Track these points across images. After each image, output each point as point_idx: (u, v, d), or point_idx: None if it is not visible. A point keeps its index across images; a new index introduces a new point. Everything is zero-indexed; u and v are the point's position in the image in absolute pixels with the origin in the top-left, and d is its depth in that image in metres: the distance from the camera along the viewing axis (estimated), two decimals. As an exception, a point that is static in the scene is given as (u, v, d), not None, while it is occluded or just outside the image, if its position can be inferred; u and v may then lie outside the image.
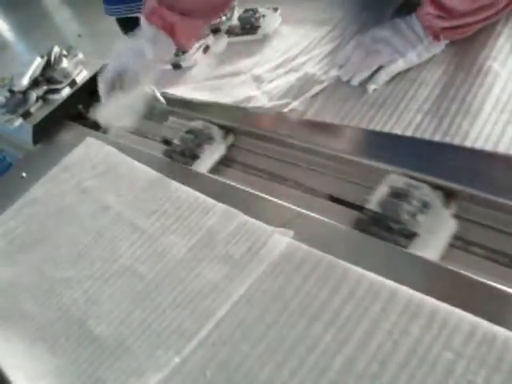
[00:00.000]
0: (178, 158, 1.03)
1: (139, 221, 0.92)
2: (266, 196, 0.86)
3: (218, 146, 1.05)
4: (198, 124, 1.09)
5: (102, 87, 1.06)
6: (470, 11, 0.87)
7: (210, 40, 1.31)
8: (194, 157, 1.02)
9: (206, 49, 1.30)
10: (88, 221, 0.97)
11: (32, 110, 1.34)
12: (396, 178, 0.78)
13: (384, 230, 0.73)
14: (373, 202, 0.76)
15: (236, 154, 1.06)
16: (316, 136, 0.92)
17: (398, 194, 0.75)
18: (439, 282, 0.64)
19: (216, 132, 1.05)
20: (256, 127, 1.02)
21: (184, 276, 0.79)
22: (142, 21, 1.05)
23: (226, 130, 1.06)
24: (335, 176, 0.90)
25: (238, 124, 1.06)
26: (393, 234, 0.72)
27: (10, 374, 0.79)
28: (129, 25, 1.68)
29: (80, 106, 1.39)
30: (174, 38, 1.06)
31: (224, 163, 1.05)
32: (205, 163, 1.02)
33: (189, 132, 1.07)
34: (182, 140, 1.06)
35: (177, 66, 1.29)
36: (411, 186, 0.75)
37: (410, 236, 0.71)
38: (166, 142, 1.16)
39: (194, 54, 1.28)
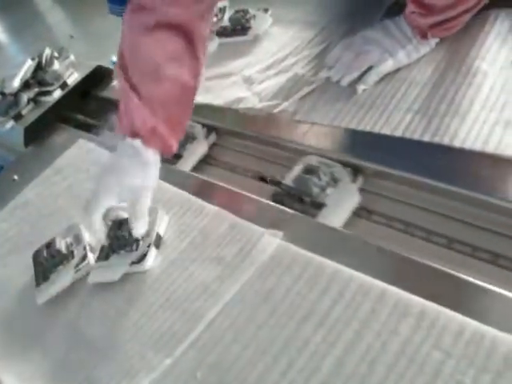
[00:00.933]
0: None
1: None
2: (257, 197, 0.87)
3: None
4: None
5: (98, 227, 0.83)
6: (448, 5, 0.88)
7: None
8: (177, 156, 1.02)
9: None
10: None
11: (23, 112, 1.34)
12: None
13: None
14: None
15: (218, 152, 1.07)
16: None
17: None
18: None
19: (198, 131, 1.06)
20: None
21: (176, 277, 0.79)
22: (136, 144, 0.83)
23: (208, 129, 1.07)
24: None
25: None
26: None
27: (2, 376, 0.79)
28: None
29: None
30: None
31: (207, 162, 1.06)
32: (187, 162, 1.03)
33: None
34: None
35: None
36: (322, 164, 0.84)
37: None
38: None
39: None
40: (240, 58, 1.20)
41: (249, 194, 0.87)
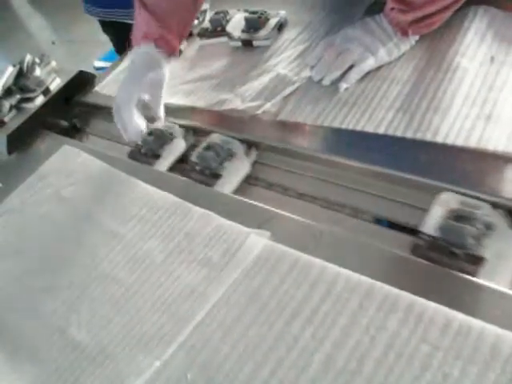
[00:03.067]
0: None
1: (118, 227, 0.92)
2: (242, 198, 0.87)
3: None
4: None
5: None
6: (427, 1, 0.89)
7: (183, 44, 1.32)
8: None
9: (179, 53, 1.30)
10: (67, 229, 0.97)
11: (6, 119, 1.33)
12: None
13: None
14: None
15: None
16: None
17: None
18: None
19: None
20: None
21: (163, 280, 0.79)
22: (148, 48, 1.02)
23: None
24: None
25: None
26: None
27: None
28: (114, 29, 1.69)
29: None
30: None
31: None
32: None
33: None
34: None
35: (151, 71, 1.28)
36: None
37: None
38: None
39: (168, 59, 1.28)
40: (221, 59, 1.20)
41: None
